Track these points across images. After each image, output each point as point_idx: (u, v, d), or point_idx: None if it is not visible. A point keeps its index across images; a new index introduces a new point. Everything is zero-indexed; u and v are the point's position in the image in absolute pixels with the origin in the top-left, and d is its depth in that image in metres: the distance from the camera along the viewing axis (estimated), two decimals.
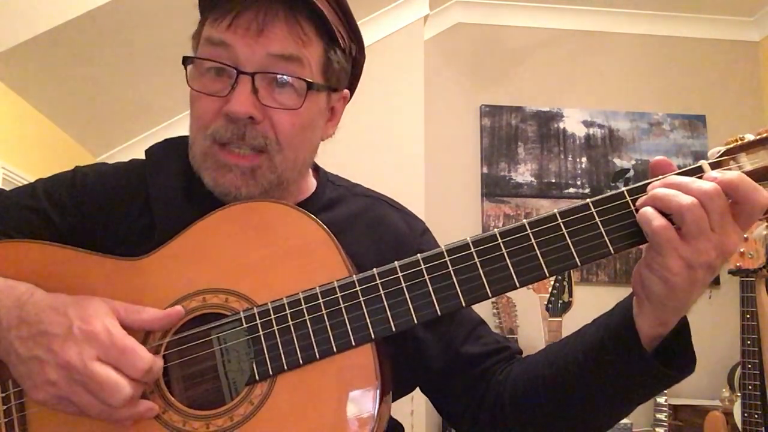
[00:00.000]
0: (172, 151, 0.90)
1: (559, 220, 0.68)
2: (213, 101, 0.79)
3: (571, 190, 3.73)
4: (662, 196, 0.63)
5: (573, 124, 3.80)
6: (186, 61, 0.82)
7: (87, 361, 0.66)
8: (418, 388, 0.93)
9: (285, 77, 0.79)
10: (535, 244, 0.68)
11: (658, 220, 0.62)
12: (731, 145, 0.67)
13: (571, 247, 0.67)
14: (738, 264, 2.19)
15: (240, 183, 0.79)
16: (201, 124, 0.80)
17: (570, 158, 3.77)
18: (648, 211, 0.63)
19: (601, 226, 0.67)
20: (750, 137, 0.66)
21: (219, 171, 0.79)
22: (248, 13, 0.77)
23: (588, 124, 3.81)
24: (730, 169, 0.65)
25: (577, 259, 0.67)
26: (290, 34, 0.78)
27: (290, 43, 0.78)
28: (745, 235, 2.16)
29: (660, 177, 0.66)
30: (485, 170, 3.72)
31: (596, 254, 0.67)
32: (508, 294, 3.21)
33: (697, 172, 0.66)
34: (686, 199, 0.61)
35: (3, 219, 0.85)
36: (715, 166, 0.66)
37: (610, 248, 0.66)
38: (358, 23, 0.88)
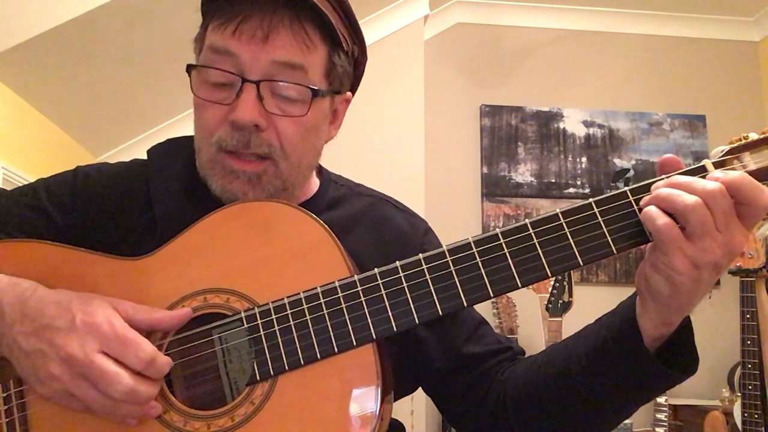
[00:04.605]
0: (174, 151, 0.90)
1: (562, 220, 0.67)
2: (218, 109, 0.79)
3: (571, 190, 3.73)
4: (665, 196, 0.63)
5: (573, 124, 3.80)
6: (189, 68, 0.81)
7: (88, 353, 0.66)
8: (419, 388, 0.93)
9: (290, 85, 0.78)
10: (537, 244, 0.67)
11: (662, 219, 0.62)
12: (735, 144, 0.66)
13: (574, 247, 0.67)
14: (738, 264, 2.20)
15: (247, 189, 0.79)
16: (206, 132, 0.80)
17: (570, 158, 3.77)
18: (652, 209, 0.63)
19: (603, 226, 0.66)
20: (754, 136, 0.66)
21: (226, 178, 0.79)
22: (253, 19, 0.76)
23: (588, 124, 3.81)
24: (733, 169, 0.65)
25: (579, 259, 0.66)
26: (295, 41, 0.78)
27: (295, 50, 0.78)
28: None
29: (663, 177, 0.66)
30: (485, 170, 3.72)
31: (599, 254, 0.66)
32: (508, 294, 3.21)
33: (701, 171, 0.65)
34: (690, 199, 0.61)
35: (4, 219, 0.85)
36: (718, 165, 0.66)
37: (613, 248, 0.66)
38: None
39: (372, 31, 3.36)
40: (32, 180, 0.92)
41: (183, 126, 3.05)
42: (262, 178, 0.80)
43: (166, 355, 0.73)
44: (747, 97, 3.86)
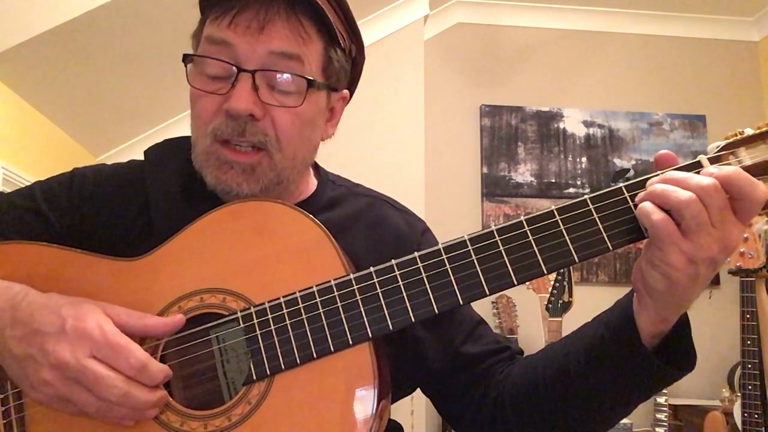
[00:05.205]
0: (171, 151, 0.90)
1: (557, 217, 0.67)
2: (213, 99, 0.79)
3: (571, 190, 3.72)
4: (660, 192, 0.63)
5: (573, 124, 3.80)
6: (186, 59, 0.82)
7: (80, 358, 0.66)
8: (417, 388, 0.93)
9: (285, 75, 0.79)
10: (532, 241, 0.67)
11: (657, 214, 0.62)
12: (730, 140, 0.66)
13: (569, 243, 0.66)
14: (738, 264, 2.20)
15: (241, 179, 0.79)
16: (201, 122, 0.81)
17: (570, 158, 3.77)
18: (647, 205, 0.63)
19: (599, 223, 0.66)
20: (749, 131, 0.66)
21: (221, 169, 0.79)
22: (249, 11, 0.77)
23: (588, 124, 3.81)
24: (729, 164, 0.65)
25: (575, 256, 0.66)
26: (291, 32, 0.78)
27: (291, 41, 0.79)
28: (745, 235, 2.16)
29: (658, 173, 0.66)
30: (485, 170, 3.72)
31: (594, 251, 0.66)
32: (508, 294, 3.22)
33: (696, 167, 0.65)
34: (684, 195, 0.61)
35: (1, 220, 0.85)
36: (714, 160, 0.66)
37: (609, 244, 0.66)
38: (358, 23, 0.88)
39: (372, 31, 3.36)
40: (32, 180, 0.91)
41: (183, 126, 3.05)
42: (256, 170, 0.80)
43: (163, 354, 0.73)
44: (747, 97, 3.86)
